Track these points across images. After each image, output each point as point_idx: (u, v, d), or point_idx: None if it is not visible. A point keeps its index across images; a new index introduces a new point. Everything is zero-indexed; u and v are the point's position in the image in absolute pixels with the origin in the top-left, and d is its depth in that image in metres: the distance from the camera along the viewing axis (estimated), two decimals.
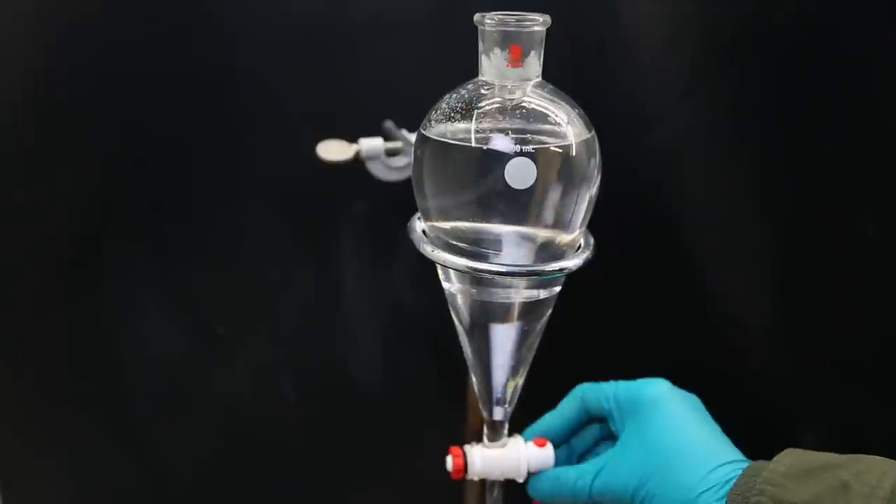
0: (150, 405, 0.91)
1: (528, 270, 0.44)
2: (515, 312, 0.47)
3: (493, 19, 0.43)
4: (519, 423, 0.55)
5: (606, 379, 0.56)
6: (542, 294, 0.47)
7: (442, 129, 0.44)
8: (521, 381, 0.51)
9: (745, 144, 0.85)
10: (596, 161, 0.44)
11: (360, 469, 0.95)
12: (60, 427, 0.91)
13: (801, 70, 0.82)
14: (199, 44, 0.80)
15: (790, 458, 0.44)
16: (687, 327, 0.90)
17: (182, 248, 0.86)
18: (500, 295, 0.47)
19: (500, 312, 0.47)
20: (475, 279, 0.46)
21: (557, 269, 0.44)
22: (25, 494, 0.93)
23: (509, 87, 0.44)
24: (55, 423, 0.91)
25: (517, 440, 0.54)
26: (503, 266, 0.43)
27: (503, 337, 0.48)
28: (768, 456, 0.48)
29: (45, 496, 0.94)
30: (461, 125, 0.43)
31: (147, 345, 0.89)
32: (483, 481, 0.56)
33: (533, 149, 0.41)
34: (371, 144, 0.74)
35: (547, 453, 0.53)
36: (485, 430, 0.54)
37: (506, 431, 0.54)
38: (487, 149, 0.42)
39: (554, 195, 0.43)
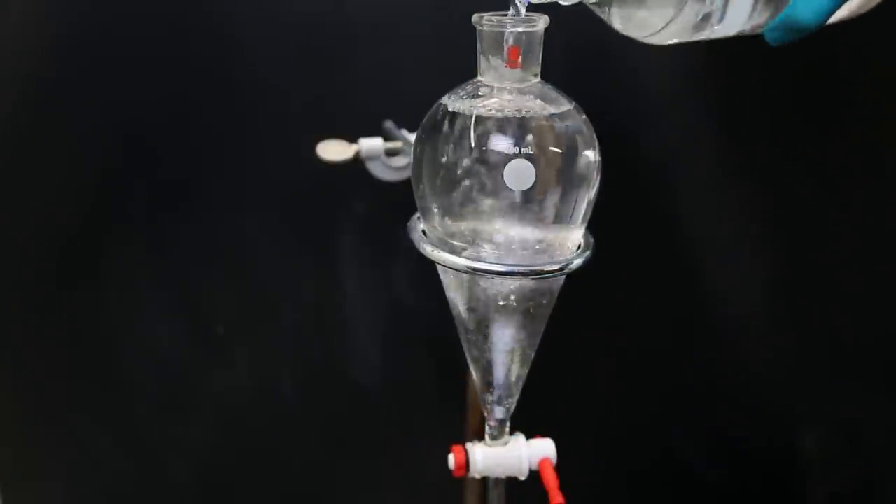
0: (150, 405, 0.91)
1: (528, 270, 0.44)
2: (515, 311, 0.47)
3: (491, 20, 0.43)
4: (520, 422, 0.55)
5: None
6: (542, 294, 0.47)
7: (440, 130, 0.44)
8: (522, 379, 0.51)
9: (744, 144, 0.85)
10: (596, 162, 0.44)
11: (360, 469, 0.95)
12: (60, 427, 0.91)
13: (800, 69, 0.82)
14: (199, 44, 0.80)
15: None
16: (687, 327, 0.90)
17: (182, 248, 0.87)
18: (500, 295, 0.47)
19: (500, 312, 0.47)
20: (475, 279, 0.46)
21: (557, 268, 0.44)
22: (25, 494, 0.93)
23: (508, 88, 0.44)
24: (55, 423, 0.91)
25: (518, 438, 0.54)
26: (503, 266, 0.43)
27: (503, 336, 0.48)
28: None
29: (45, 496, 0.94)
30: (459, 126, 0.43)
31: (147, 345, 0.89)
32: (484, 480, 0.56)
33: (532, 150, 0.41)
34: (371, 144, 0.74)
35: (549, 449, 0.53)
36: (486, 428, 0.54)
37: (507, 430, 0.54)
38: (486, 150, 0.42)
39: (553, 196, 0.43)
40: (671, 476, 0.97)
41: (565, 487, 0.51)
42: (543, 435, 0.55)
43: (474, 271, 0.44)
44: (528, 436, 0.55)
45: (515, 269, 0.43)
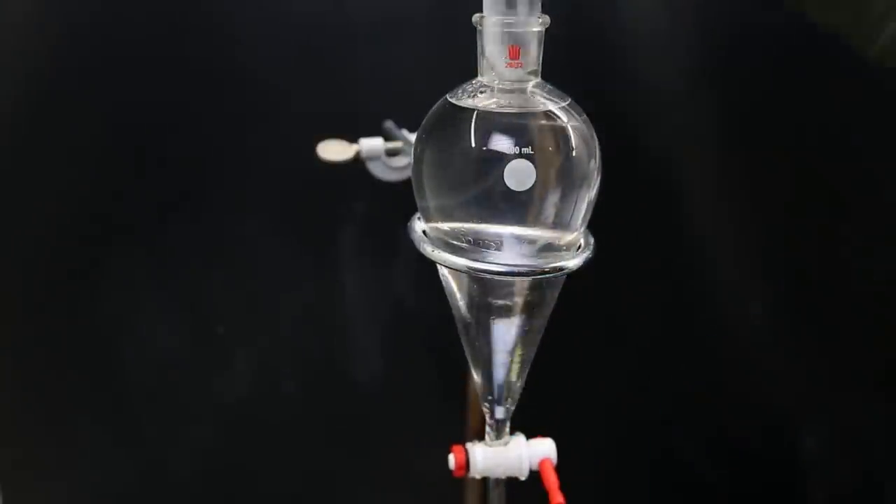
0: (150, 405, 0.91)
1: (527, 270, 0.44)
2: (515, 311, 0.47)
3: (491, 19, 0.43)
4: (520, 422, 0.55)
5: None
6: (543, 293, 0.47)
7: (440, 130, 0.44)
8: (522, 379, 0.51)
9: (744, 144, 0.85)
10: (596, 162, 0.44)
11: (360, 469, 0.95)
12: (60, 427, 0.91)
13: (800, 69, 0.82)
14: (199, 44, 0.80)
15: None
16: (687, 327, 0.90)
17: (182, 248, 0.86)
18: (499, 294, 0.47)
19: (500, 311, 0.47)
20: (475, 278, 0.46)
21: (557, 269, 0.44)
22: (25, 494, 0.93)
23: (508, 87, 0.44)
24: (55, 423, 0.91)
25: (519, 439, 0.54)
26: (503, 266, 0.43)
27: (503, 336, 0.48)
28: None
29: (45, 496, 0.94)
30: (460, 127, 0.43)
31: (147, 344, 0.89)
32: (485, 480, 0.56)
33: (532, 150, 0.41)
34: (371, 144, 0.73)
35: (549, 449, 0.53)
36: (486, 428, 0.54)
37: (508, 430, 0.54)
38: (486, 150, 0.42)
39: (554, 196, 0.42)
40: (671, 476, 0.97)
41: (565, 487, 0.51)
42: (543, 435, 0.55)
43: (474, 271, 0.44)
44: (529, 436, 0.55)
45: (515, 269, 0.43)
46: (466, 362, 0.52)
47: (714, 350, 0.90)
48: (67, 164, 0.83)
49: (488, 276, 0.45)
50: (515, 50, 0.43)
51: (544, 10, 0.44)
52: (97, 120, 0.82)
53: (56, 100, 0.81)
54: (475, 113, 0.43)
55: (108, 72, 0.81)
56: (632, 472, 0.97)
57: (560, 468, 0.53)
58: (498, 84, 0.44)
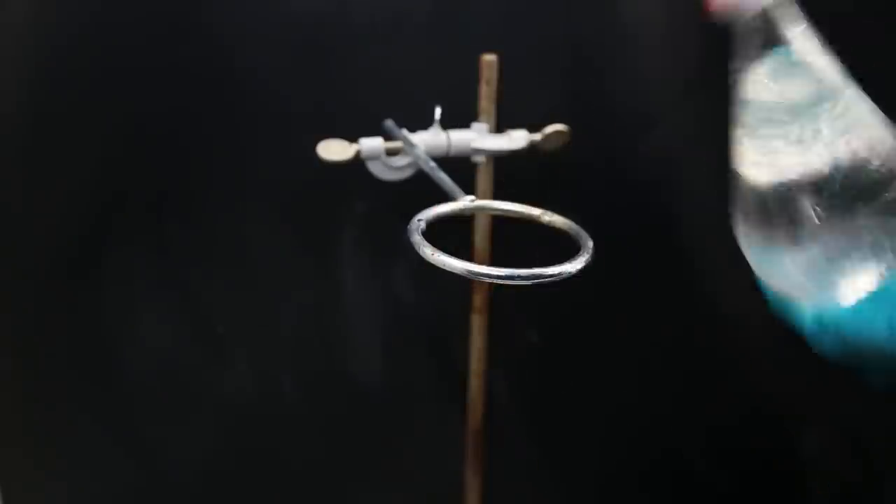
0: (150, 405, 0.91)
1: (527, 275, 0.44)
2: None
3: None
4: (522, 422, 0.55)
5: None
6: None
7: None
8: None
9: None
10: None
11: (360, 469, 0.95)
12: (60, 427, 0.91)
13: None
14: (199, 43, 0.80)
15: None
16: (687, 327, 0.90)
17: (182, 247, 0.86)
18: None
19: None
20: None
21: (556, 273, 0.44)
22: (25, 494, 0.93)
23: None
24: (55, 423, 0.91)
25: None
26: (503, 271, 0.43)
27: None
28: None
29: (45, 496, 0.94)
30: None
31: (147, 344, 0.89)
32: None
33: None
34: (371, 144, 0.74)
35: None
36: None
37: None
38: None
39: None
40: (671, 476, 0.97)
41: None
42: (546, 436, 0.55)
43: (474, 275, 0.44)
44: (531, 436, 0.55)
45: (516, 275, 0.44)
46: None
47: (714, 350, 0.90)
48: (68, 164, 0.83)
49: (489, 281, 0.45)
50: None
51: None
52: (97, 120, 0.82)
53: (56, 100, 0.81)
54: None
55: (109, 71, 0.80)
56: (632, 473, 0.97)
57: (561, 468, 0.53)
58: None
